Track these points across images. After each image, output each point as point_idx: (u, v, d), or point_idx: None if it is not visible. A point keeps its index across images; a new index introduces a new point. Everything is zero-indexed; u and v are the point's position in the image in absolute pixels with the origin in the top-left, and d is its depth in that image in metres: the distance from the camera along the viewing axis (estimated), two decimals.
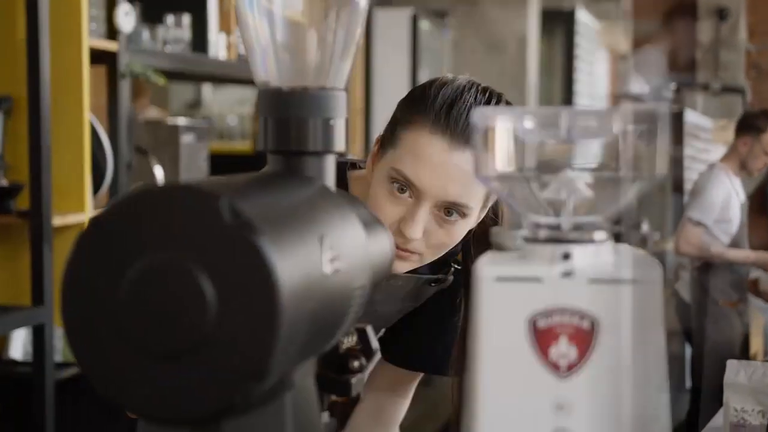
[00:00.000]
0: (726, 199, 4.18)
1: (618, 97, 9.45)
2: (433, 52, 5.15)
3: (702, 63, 9.37)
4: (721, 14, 9.26)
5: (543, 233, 0.71)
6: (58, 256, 2.36)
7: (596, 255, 0.69)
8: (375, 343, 0.86)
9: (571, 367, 0.67)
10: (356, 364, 0.83)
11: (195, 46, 3.06)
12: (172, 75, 3.13)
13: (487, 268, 0.69)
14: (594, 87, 8.46)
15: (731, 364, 1.98)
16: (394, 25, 4.92)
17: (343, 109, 0.82)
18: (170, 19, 2.98)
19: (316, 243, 0.67)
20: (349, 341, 0.86)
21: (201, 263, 0.60)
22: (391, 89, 5.02)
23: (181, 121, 3.08)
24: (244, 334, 0.60)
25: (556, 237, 0.70)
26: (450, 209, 1.24)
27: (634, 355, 0.67)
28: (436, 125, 1.23)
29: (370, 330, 0.86)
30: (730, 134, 8.67)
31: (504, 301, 0.68)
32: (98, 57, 2.61)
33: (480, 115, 0.70)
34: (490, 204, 1.31)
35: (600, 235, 0.70)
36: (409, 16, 4.87)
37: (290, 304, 0.61)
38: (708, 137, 7.71)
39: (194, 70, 3.14)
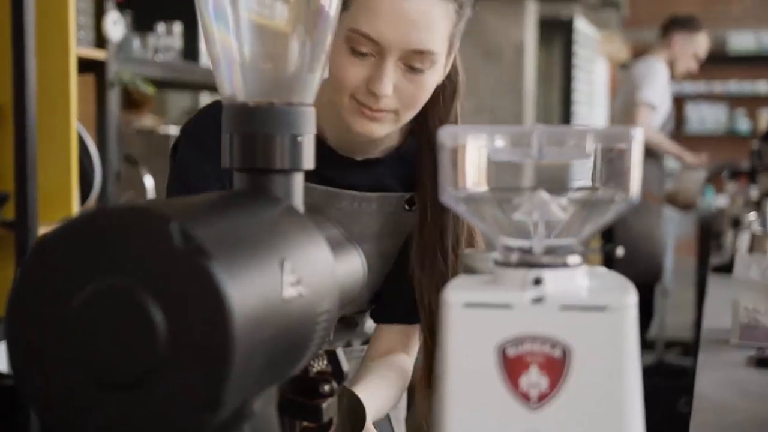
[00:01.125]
0: (665, 87, 4.34)
1: None
2: None
3: None
4: None
5: (514, 257, 0.68)
6: None
7: (569, 280, 0.67)
8: (346, 366, 0.83)
9: (543, 398, 0.65)
10: (327, 388, 0.80)
11: (186, 55, 3.04)
12: (162, 84, 3.10)
13: (455, 293, 0.66)
14: (593, 96, 8.44)
15: (741, 258, 1.84)
16: None
17: (311, 126, 0.79)
18: (161, 27, 2.96)
19: (276, 267, 0.64)
20: (319, 364, 0.83)
21: (151, 289, 0.58)
22: None
23: (174, 130, 3.06)
24: (195, 363, 0.57)
25: (528, 261, 0.67)
26: (415, 61, 1.20)
27: (607, 385, 0.64)
28: None
29: (340, 352, 0.83)
30: (614, 46, 8.68)
31: (473, 328, 0.66)
32: (87, 65, 2.58)
33: (448, 133, 0.68)
34: (454, 52, 1.29)
35: (573, 258, 0.68)
36: None
37: (244, 332, 0.59)
38: (593, 47, 7.78)
39: (185, 79, 3.11)
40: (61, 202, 2.42)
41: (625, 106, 4.38)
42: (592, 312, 0.64)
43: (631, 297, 0.65)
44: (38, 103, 2.35)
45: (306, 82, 0.79)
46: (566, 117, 7.46)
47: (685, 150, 4.81)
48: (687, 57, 4.41)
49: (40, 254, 0.59)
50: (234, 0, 0.77)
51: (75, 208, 2.48)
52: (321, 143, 1.31)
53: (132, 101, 3.23)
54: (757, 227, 2.97)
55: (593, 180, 0.68)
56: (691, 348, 5.13)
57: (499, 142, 0.68)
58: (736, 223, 3.24)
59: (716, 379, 1.57)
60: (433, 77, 1.23)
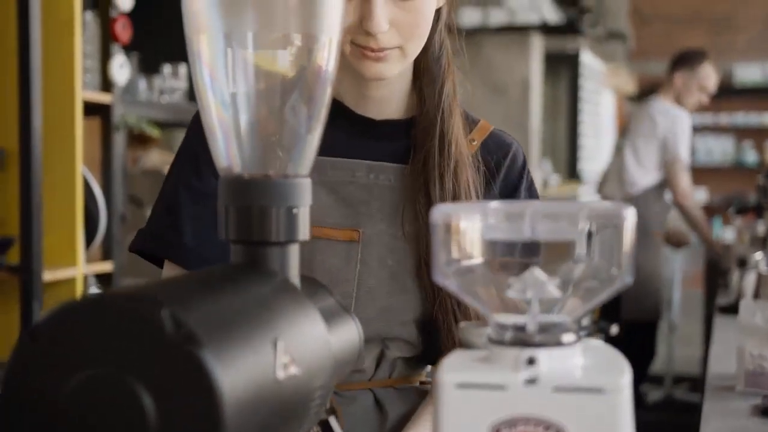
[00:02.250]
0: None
1: None
2: None
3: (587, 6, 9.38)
4: None
5: (508, 335, 0.68)
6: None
7: (564, 359, 0.66)
8: None
9: None
10: None
11: (192, 96, 3.05)
12: (168, 124, 3.12)
13: (448, 373, 0.66)
14: (599, 128, 8.45)
15: (746, 305, 1.82)
16: None
17: (307, 197, 0.79)
18: (167, 68, 2.97)
19: (269, 348, 0.64)
20: None
21: (142, 377, 0.57)
22: None
23: None
24: None
25: (522, 340, 0.67)
26: None
27: None
28: None
29: (333, 422, 0.83)
30: (620, 79, 8.70)
31: (466, 408, 0.65)
32: (93, 109, 2.60)
33: (440, 212, 0.68)
34: None
35: (568, 337, 0.67)
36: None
37: (236, 418, 0.58)
38: (599, 80, 7.80)
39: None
40: (66, 246, 2.43)
41: (652, 157, 4.39)
42: (587, 394, 0.64)
43: (625, 377, 0.65)
44: (44, 148, 2.36)
45: (302, 155, 0.79)
46: (572, 150, 7.47)
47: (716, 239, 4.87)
48: (692, 92, 4.43)
49: (31, 341, 0.59)
50: (230, 71, 0.78)
51: (80, 252, 2.48)
52: (337, 105, 1.26)
53: (138, 137, 3.24)
54: (763, 267, 2.95)
55: (587, 257, 0.68)
56: (699, 384, 5.10)
57: (492, 220, 0.68)
58: (743, 263, 3.23)
59: (722, 430, 1.56)
60: (428, 2, 1.18)
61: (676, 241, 4.87)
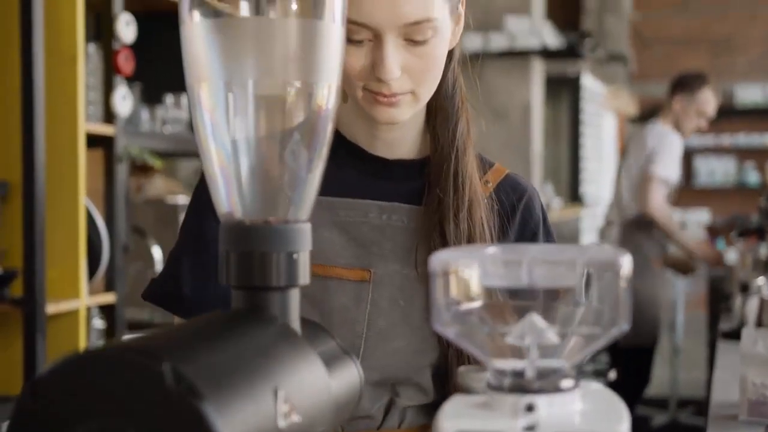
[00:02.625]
0: (678, 159, 4.39)
1: None
2: None
3: (587, 29, 9.43)
4: None
5: (507, 381, 0.68)
6: (52, 344, 2.33)
7: (563, 405, 0.67)
8: None
9: None
10: None
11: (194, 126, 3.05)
12: (171, 154, 3.13)
13: (448, 420, 0.66)
14: (601, 150, 8.47)
15: (747, 333, 1.82)
16: None
17: (307, 242, 0.80)
18: (169, 99, 2.99)
19: (269, 397, 0.65)
20: None
21: (144, 430, 0.58)
22: None
23: (182, 199, 3.08)
24: None
25: (520, 386, 0.67)
26: (415, 34, 1.12)
27: None
28: None
29: None
30: (621, 101, 8.70)
31: None
32: (95, 140, 2.61)
33: (439, 260, 0.68)
34: (460, 14, 1.21)
35: (567, 382, 0.68)
36: None
37: None
38: (600, 102, 7.80)
39: (193, 150, 3.14)
40: (69, 278, 2.43)
41: (637, 178, 4.38)
42: None
43: (624, 424, 0.65)
44: (47, 180, 2.37)
45: (301, 200, 0.80)
46: (575, 173, 7.48)
47: (697, 243, 4.78)
48: (690, 116, 4.43)
49: (33, 394, 0.59)
50: (230, 118, 0.79)
51: (83, 283, 2.49)
52: (350, 145, 1.26)
53: (141, 165, 3.26)
54: (766, 293, 2.95)
55: (585, 303, 0.68)
56: (704, 407, 5.08)
57: (490, 267, 0.68)
58: (745, 288, 3.22)
59: None
60: (440, 46, 1.16)
61: (681, 268, 4.85)
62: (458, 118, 1.25)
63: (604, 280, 0.67)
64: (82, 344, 2.45)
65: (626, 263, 0.67)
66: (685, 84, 4.46)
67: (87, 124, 2.51)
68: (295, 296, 0.79)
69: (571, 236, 6.99)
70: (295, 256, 0.78)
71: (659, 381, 6.39)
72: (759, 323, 2.78)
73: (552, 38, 5.52)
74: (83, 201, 2.47)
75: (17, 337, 2.36)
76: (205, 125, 0.79)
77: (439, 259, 0.69)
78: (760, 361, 1.85)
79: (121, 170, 2.63)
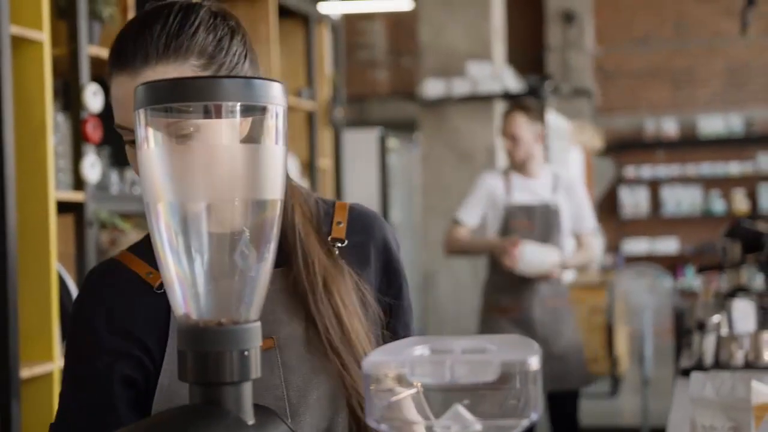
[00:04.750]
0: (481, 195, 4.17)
1: None
2: (403, 167, 5.25)
3: (551, 66, 9.62)
4: (568, 17, 9.50)
5: None
6: (27, 408, 2.39)
7: None
8: None
9: None
10: None
11: None
12: (142, 215, 3.21)
13: None
14: None
15: (696, 377, 1.87)
16: (363, 145, 5.03)
17: (257, 339, 0.88)
18: None
19: None
20: None
21: None
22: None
23: None
24: None
25: None
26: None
27: None
28: (117, 63, 1.17)
29: None
30: (586, 135, 8.82)
31: None
32: (66, 206, 2.68)
33: (371, 363, 0.77)
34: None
35: None
36: (378, 136, 4.99)
37: None
38: (566, 138, 7.92)
39: None
40: (42, 341, 2.50)
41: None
42: None
43: None
44: (18, 246, 2.44)
45: (252, 301, 0.89)
46: None
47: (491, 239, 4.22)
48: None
49: None
50: (185, 232, 0.87)
51: (56, 347, 2.55)
52: None
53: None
54: (724, 330, 3.02)
55: (503, 397, 0.77)
56: None
57: (417, 368, 0.77)
58: (701, 326, 3.32)
59: None
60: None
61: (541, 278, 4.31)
62: (293, 209, 1.28)
63: (515, 378, 0.76)
64: (56, 407, 2.51)
65: (534, 363, 0.75)
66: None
67: (57, 191, 2.58)
68: (247, 389, 0.88)
69: None
70: (246, 353, 0.87)
71: (630, 411, 6.48)
72: (716, 362, 2.86)
73: (513, 82, 5.66)
74: (55, 266, 2.54)
75: None
76: (162, 237, 0.88)
77: (370, 362, 0.77)
78: (708, 405, 1.92)
79: (91, 235, 2.70)
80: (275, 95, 0.87)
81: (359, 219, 1.34)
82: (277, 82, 0.88)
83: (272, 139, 0.87)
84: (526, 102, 4.22)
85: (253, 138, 0.87)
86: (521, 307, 4.08)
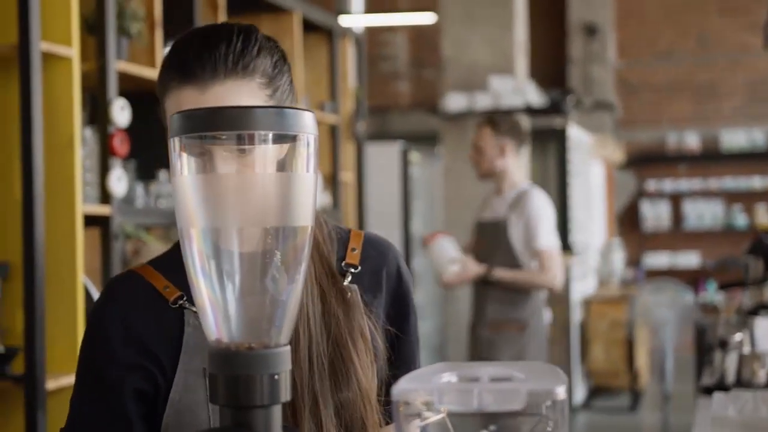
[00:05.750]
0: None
1: None
2: (425, 180, 5.27)
3: (573, 79, 9.59)
4: (590, 30, 9.47)
5: None
6: (53, 419, 2.42)
7: None
8: None
9: None
10: None
11: None
12: (166, 226, 3.24)
13: None
14: (589, 198, 8.59)
15: (718, 398, 1.88)
16: (385, 158, 5.04)
17: (287, 362, 0.90)
18: (163, 174, 3.11)
19: None
20: None
21: None
22: (385, 221, 5.13)
23: None
24: None
25: None
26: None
27: None
28: (182, 76, 1.19)
29: None
30: (607, 149, 8.76)
31: None
32: (92, 220, 2.72)
33: (399, 390, 0.78)
34: None
35: None
36: (400, 149, 5.00)
37: None
38: (587, 151, 7.89)
39: None
40: (69, 354, 2.52)
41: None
42: None
43: None
44: (46, 260, 2.47)
45: (282, 326, 0.90)
46: (563, 223, 7.59)
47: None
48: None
49: None
50: (217, 258, 0.89)
51: None
52: None
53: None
54: (746, 348, 3.01)
55: (528, 427, 0.78)
56: None
57: (445, 396, 0.79)
58: (724, 344, 3.31)
59: None
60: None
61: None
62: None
63: (543, 407, 0.77)
64: None
65: (561, 393, 0.77)
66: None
67: (84, 205, 2.62)
68: (277, 412, 0.90)
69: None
70: (276, 377, 0.89)
71: (650, 426, 6.46)
72: (738, 380, 2.86)
73: (535, 96, 5.66)
74: (81, 279, 2.57)
75: (18, 414, 2.44)
76: (194, 262, 0.90)
77: (400, 389, 0.79)
78: (729, 424, 1.92)
79: (117, 248, 2.73)
80: (307, 124, 0.89)
81: (373, 247, 1.36)
82: (309, 111, 0.90)
83: (303, 167, 0.89)
84: (498, 117, 4.19)
85: (285, 166, 0.89)
86: (473, 324, 4.07)
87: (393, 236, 5.14)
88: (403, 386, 0.79)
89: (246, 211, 0.88)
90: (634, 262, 10.06)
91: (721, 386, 2.76)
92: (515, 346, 4.03)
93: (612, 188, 9.98)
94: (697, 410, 2.81)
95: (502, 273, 3.93)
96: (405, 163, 5.39)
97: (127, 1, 2.89)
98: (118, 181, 2.72)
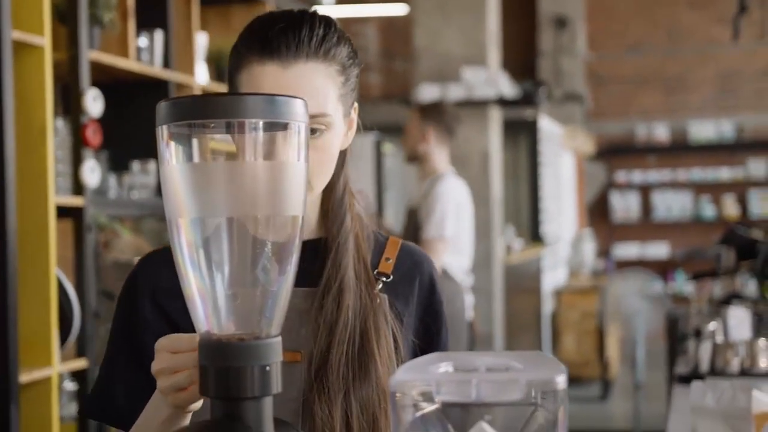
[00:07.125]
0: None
1: None
2: (398, 171, 5.26)
3: (543, 71, 9.65)
4: (561, 23, 9.52)
5: None
6: (26, 412, 2.38)
7: None
8: None
9: None
10: None
11: (160, 191, 3.12)
12: (139, 217, 3.21)
13: None
14: (560, 189, 8.63)
15: (696, 386, 1.87)
16: (357, 149, 5.00)
17: (278, 354, 0.89)
18: (136, 165, 3.07)
19: None
20: None
21: None
22: None
23: None
24: None
25: None
26: (311, 125, 1.15)
27: None
28: (264, 51, 1.20)
29: None
30: (578, 140, 8.81)
31: None
32: (65, 210, 2.68)
33: (396, 381, 0.77)
34: (353, 116, 1.28)
35: None
36: (373, 140, 4.99)
37: None
38: (558, 142, 7.94)
39: (160, 214, 3.21)
40: (41, 346, 2.49)
41: None
42: None
43: None
44: (18, 252, 2.44)
45: (273, 317, 0.89)
46: (534, 214, 7.62)
47: None
48: None
49: None
50: (206, 248, 0.88)
51: (55, 352, 2.55)
52: None
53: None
54: (720, 337, 3.03)
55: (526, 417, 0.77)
56: None
57: (443, 387, 0.78)
58: (698, 333, 3.33)
59: None
60: (333, 137, 1.23)
61: None
62: (344, 217, 1.30)
63: (541, 397, 0.76)
64: (55, 411, 2.51)
65: (562, 382, 0.76)
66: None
67: (56, 196, 2.58)
68: (268, 403, 0.88)
69: (533, 276, 7.12)
70: (267, 368, 0.87)
71: (621, 415, 6.50)
72: (712, 369, 2.87)
73: (508, 88, 5.67)
74: (54, 271, 2.54)
75: None
76: (183, 253, 0.88)
77: (396, 380, 0.78)
78: (709, 414, 1.92)
79: (90, 239, 2.70)
80: (297, 112, 0.88)
81: (408, 257, 1.35)
82: (300, 99, 0.89)
83: (294, 155, 0.88)
84: (427, 104, 4.28)
85: (274, 154, 0.87)
86: None
87: None
88: (400, 377, 0.78)
89: (235, 200, 0.87)
90: (604, 252, 10.11)
91: (696, 375, 2.78)
92: None
93: (582, 179, 10.03)
94: (674, 399, 2.82)
95: None
96: (378, 155, 5.38)
97: None
98: (91, 172, 2.69)
